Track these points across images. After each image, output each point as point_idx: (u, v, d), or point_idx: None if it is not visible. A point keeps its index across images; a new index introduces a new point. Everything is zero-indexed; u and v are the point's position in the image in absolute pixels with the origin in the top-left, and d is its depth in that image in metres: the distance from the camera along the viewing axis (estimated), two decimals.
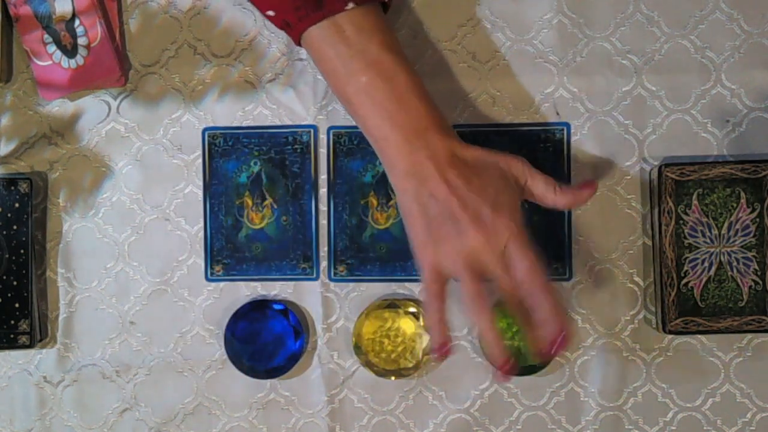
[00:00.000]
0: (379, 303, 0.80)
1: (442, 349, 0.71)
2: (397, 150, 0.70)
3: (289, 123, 0.82)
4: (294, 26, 0.71)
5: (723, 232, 0.77)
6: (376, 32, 0.70)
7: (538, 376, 0.79)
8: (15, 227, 0.80)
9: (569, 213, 0.80)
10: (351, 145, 0.81)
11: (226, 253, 0.82)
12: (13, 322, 0.80)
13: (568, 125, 0.80)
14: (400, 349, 0.80)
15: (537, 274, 0.69)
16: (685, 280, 0.77)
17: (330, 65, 0.71)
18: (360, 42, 0.70)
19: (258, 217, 0.82)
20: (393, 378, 0.80)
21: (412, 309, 0.80)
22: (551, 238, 0.80)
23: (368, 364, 0.80)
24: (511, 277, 0.69)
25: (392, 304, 0.80)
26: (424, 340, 0.80)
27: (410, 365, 0.80)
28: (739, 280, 0.77)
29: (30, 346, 0.80)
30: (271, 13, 0.72)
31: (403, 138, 0.70)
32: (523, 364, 0.79)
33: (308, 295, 0.81)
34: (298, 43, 0.73)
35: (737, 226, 0.77)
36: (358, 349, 0.80)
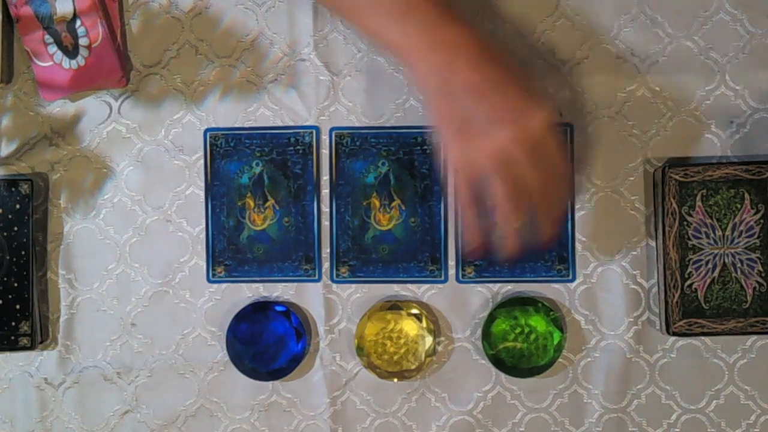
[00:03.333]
0: (381, 304, 0.80)
1: (476, 249, 0.74)
2: (419, 50, 0.68)
3: (291, 124, 0.82)
4: None
5: (727, 233, 0.77)
6: None
7: (541, 378, 0.79)
8: (16, 228, 0.80)
9: (572, 214, 0.80)
10: (353, 146, 0.81)
11: (227, 254, 0.81)
12: (14, 323, 0.80)
13: (571, 126, 0.80)
14: (402, 350, 0.80)
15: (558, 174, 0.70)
16: (689, 282, 0.77)
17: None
18: None
19: (260, 219, 0.81)
20: (395, 380, 0.80)
21: (414, 310, 0.80)
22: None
23: (371, 366, 0.80)
24: (539, 171, 0.67)
25: (395, 306, 0.80)
26: (427, 342, 0.79)
27: (413, 367, 0.80)
28: (743, 282, 0.77)
29: (31, 347, 0.80)
30: None
31: (423, 38, 0.67)
32: (527, 365, 0.78)
33: (310, 296, 0.81)
34: None
35: (741, 228, 0.77)
36: (360, 350, 0.80)
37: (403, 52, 0.68)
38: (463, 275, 0.80)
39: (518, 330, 0.79)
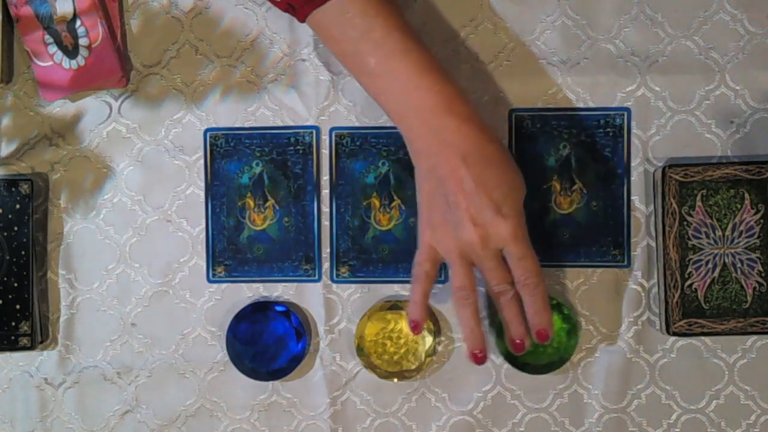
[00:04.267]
0: (381, 304, 0.80)
1: (417, 327, 0.75)
2: (414, 131, 0.71)
3: (291, 124, 0.82)
4: (298, 9, 0.72)
5: (727, 233, 0.77)
6: (380, 12, 0.70)
7: (542, 379, 0.79)
8: (16, 228, 0.80)
9: (629, 200, 0.79)
10: (353, 146, 0.81)
11: (227, 254, 0.81)
12: (14, 323, 0.80)
13: (628, 110, 0.80)
14: (402, 350, 0.80)
15: (530, 275, 0.72)
16: (689, 282, 0.77)
17: (338, 47, 0.72)
18: (364, 23, 0.70)
19: (260, 219, 0.81)
20: (395, 380, 0.80)
21: None
22: (610, 226, 0.79)
23: (371, 366, 0.80)
24: (499, 274, 0.72)
25: (395, 306, 0.80)
26: (427, 342, 0.79)
27: (413, 367, 0.80)
28: (743, 282, 0.77)
29: (31, 347, 0.80)
30: None
31: (419, 120, 0.71)
32: (541, 362, 0.78)
33: (310, 296, 0.81)
34: (303, 21, 0.73)
35: (741, 228, 0.77)
36: (360, 350, 0.80)
37: (407, 133, 0.72)
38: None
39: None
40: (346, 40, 0.71)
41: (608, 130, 0.79)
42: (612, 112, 0.79)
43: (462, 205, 0.70)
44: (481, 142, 0.71)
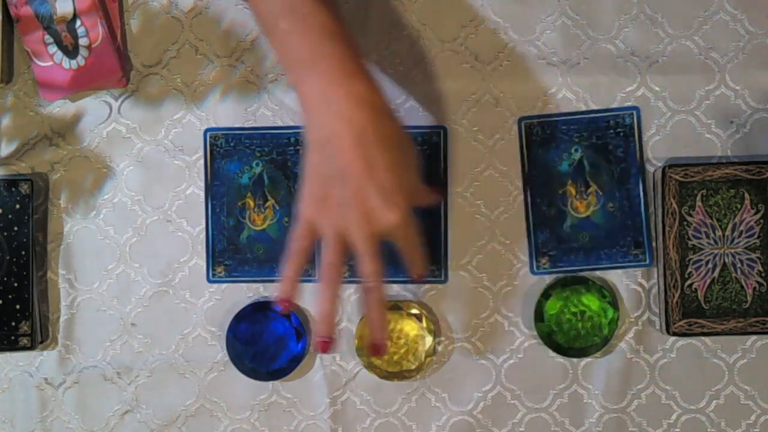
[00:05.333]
0: None
1: (283, 303, 0.71)
2: (310, 100, 0.68)
3: (291, 124, 0.82)
4: None
5: (727, 233, 0.77)
6: None
7: (542, 379, 0.79)
8: (16, 228, 0.80)
9: (645, 198, 0.79)
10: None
11: (227, 254, 0.81)
12: (14, 323, 0.80)
13: (637, 109, 0.80)
14: (402, 351, 0.80)
15: (413, 247, 0.71)
16: (689, 282, 0.77)
17: (257, 10, 0.71)
18: None
19: (260, 219, 0.81)
20: (395, 380, 0.80)
21: (414, 311, 0.80)
22: (628, 226, 0.79)
23: (370, 366, 0.80)
24: (372, 263, 0.69)
25: (395, 306, 0.80)
26: (427, 342, 0.79)
27: (413, 367, 0.80)
28: (743, 282, 0.77)
29: (31, 347, 0.80)
30: None
31: (317, 89, 0.68)
32: (582, 345, 0.78)
33: (310, 296, 0.81)
34: None
35: (741, 228, 0.77)
36: (360, 350, 0.80)
37: (302, 101, 0.69)
38: (537, 267, 0.80)
39: (572, 309, 0.78)
40: (261, 2, 0.70)
41: (619, 130, 0.79)
42: (621, 112, 0.79)
43: (350, 185, 0.67)
44: (378, 119, 0.68)
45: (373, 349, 0.71)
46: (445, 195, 0.80)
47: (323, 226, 0.69)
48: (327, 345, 0.70)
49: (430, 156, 0.81)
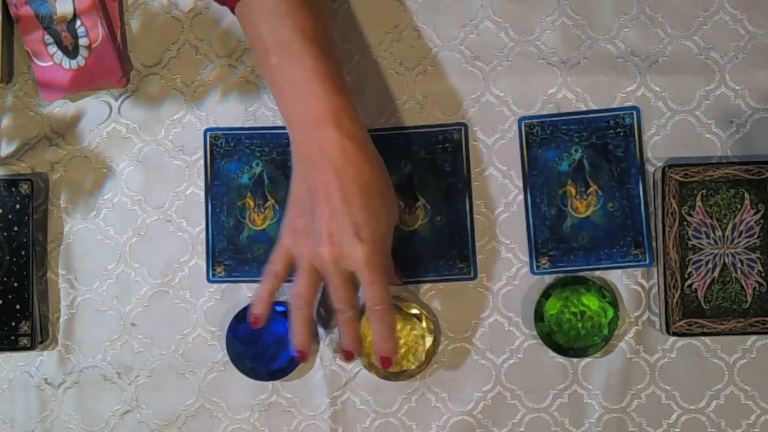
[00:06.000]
0: None
1: (257, 322, 0.76)
2: (297, 135, 0.71)
3: None
4: (226, 0, 0.73)
5: (727, 233, 0.77)
6: (292, 13, 0.70)
7: (542, 379, 0.79)
8: (16, 228, 0.80)
9: (645, 198, 0.78)
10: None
11: (227, 254, 0.81)
12: (13, 323, 0.80)
13: (637, 109, 0.79)
14: (402, 351, 0.79)
15: (378, 302, 0.72)
16: (689, 282, 0.77)
17: (251, 40, 0.73)
18: (274, 21, 0.70)
19: (260, 219, 0.81)
20: (395, 380, 0.80)
21: (414, 311, 0.80)
22: (628, 226, 0.79)
23: (370, 366, 0.80)
24: (342, 293, 0.73)
25: (395, 306, 0.80)
26: (427, 342, 0.79)
27: (413, 367, 0.80)
28: (743, 282, 0.77)
29: (31, 347, 0.80)
30: None
31: (303, 125, 0.71)
32: (582, 345, 0.78)
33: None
34: (233, 10, 0.74)
35: (741, 228, 0.77)
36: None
37: (289, 130, 0.72)
38: (537, 266, 0.80)
39: (572, 309, 0.78)
40: (256, 35, 0.71)
41: (619, 130, 0.79)
42: (621, 112, 0.79)
43: (324, 219, 0.70)
44: (359, 161, 0.70)
45: (347, 356, 0.76)
46: (468, 191, 0.80)
47: (297, 255, 0.73)
48: (301, 357, 0.76)
49: (451, 152, 0.80)
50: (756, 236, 0.77)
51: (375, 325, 0.73)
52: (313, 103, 0.70)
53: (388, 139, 0.80)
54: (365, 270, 0.71)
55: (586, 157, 0.79)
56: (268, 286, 0.75)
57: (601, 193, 0.79)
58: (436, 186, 0.80)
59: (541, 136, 0.80)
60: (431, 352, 0.79)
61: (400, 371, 0.80)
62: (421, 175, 0.80)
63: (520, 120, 0.80)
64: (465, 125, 0.80)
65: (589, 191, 0.79)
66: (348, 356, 0.76)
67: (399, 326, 0.80)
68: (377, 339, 0.74)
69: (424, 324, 0.79)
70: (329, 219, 0.70)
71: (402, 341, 0.79)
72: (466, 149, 0.80)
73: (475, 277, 0.80)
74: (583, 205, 0.79)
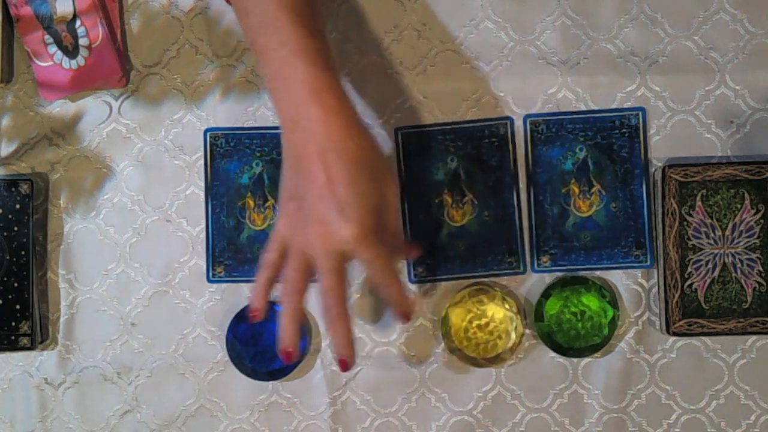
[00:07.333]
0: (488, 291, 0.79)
1: (254, 314, 0.72)
2: (283, 118, 0.69)
3: None
4: None
5: (727, 233, 0.77)
6: None
7: (542, 378, 0.79)
8: (16, 228, 0.80)
9: (648, 200, 0.78)
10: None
11: (227, 254, 0.81)
12: (13, 323, 0.80)
13: (643, 109, 0.79)
14: (495, 334, 0.79)
15: (385, 275, 0.69)
16: (689, 282, 0.77)
17: (241, 22, 0.71)
18: (262, 1, 0.69)
19: (260, 219, 0.81)
20: (489, 366, 0.79)
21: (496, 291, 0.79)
22: (630, 227, 0.79)
23: (453, 351, 0.79)
24: (331, 281, 0.68)
25: (482, 290, 0.79)
26: (516, 322, 0.78)
27: (508, 346, 0.78)
28: (743, 282, 0.77)
29: (31, 347, 0.80)
30: None
31: (287, 106, 0.69)
32: (583, 345, 0.78)
33: (310, 296, 0.81)
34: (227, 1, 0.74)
35: (741, 228, 0.77)
36: (447, 335, 0.79)
37: (278, 117, 0.70)
38: (538, 264, 0.80)
39: (572, 308, 0.78)
40: (244, 15, 0.70)
41: (624, 130, 0.79)
42: (627, 113, 0.79)
43: (310, 200, 0.67)
44: (343, 136, 0.68)
45: (342, 366, 0.70)
46: (516, 185, 0.80)
47: (291, 241, 0.70)
48: (288, 356, 0.70)
49: (498, 147, 0.80)
50: (756, 236, 0.77)
51: (387, 296, 0.71)
52: (295, 83, 0.68)
53: (434, 134, 0.80)
54: (357, 249, 0.68)
55: (590, 156, 0.79)
56: (265, 274, 0.72)
57: (604, 193, 0.79)
58: (482, 181, 0.80)
59: (546, 134, 0.79)
60: (521, 333, 0.79)
61: (495, 356, 0.79)
62: (467, 171, 0.80)
63: (525, 117, 0.80)
64: (511, 119, 0.80)
65: (592, 191, 0.79)
66: (343, 365, 0.70)
67: (492, 309, 0.79)
68: (394, 303, 0.71)
69: (507, 305, 0.79)
70: (317, 200, 0.67)
71: (494, 325, 0.78)
72: (513, 143, 0.80)
73: (524, 271, 0.80)
74: (586, 205, 0.79)
